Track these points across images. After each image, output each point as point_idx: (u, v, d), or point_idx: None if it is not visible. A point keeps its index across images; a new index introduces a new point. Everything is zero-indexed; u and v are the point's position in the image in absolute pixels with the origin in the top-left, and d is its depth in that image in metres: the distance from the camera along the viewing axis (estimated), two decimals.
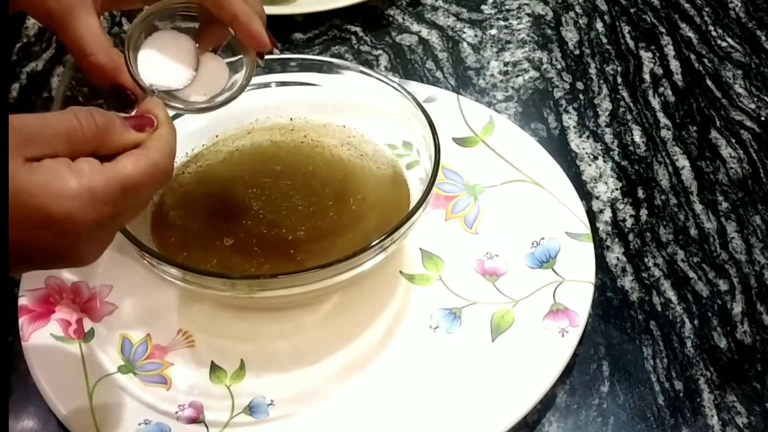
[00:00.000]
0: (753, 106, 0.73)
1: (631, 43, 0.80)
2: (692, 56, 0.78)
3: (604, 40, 0.80)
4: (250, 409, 0.52)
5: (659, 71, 0.77)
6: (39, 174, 0.37)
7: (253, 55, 0.50)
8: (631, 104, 0.73)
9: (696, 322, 0.57)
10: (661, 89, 0.75)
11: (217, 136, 0.63)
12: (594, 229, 0.62)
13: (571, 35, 0.81)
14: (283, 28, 0.81)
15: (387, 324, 0.56)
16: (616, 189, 0.66)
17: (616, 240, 0.62)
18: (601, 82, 0.76)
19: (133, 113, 0.45)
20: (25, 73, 0.76)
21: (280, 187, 0.59)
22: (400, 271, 0.59)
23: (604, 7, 0.84)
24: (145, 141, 0.42)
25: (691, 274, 0.60)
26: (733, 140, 0.70)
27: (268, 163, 0.61)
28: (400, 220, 0.51)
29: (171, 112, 0.46)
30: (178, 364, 0.54)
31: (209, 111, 0.50)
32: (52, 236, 0.38)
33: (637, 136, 0.71)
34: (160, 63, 0.49)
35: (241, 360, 0.54)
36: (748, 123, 0.71)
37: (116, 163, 0.40)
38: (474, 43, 0.80)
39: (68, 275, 0.58)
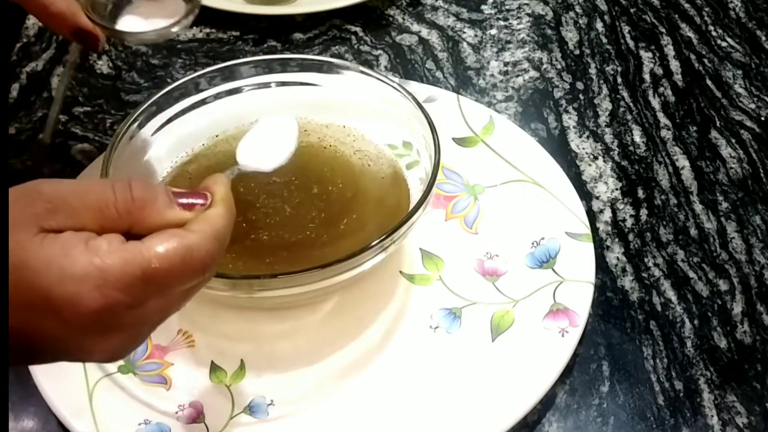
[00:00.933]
0: (753, 106, 0.73)
1: (631, 43, 0.80)
2: (692, 56, 0.78)
3: (604, 40, 0.80)
4: (250, 409, 0.52)
5: (659, 71, 0.77)
6: (49, 249, 0.32)
7: None
8: (631, 104, 0.73)
9: (696, 322, 0.57)
10: (661, 89, 0.75)
11: (217, 136, 0.63)
12: (594, 229, 0.62)
13: (571, 35, 0.81)
14: (283, 28, 0.81)
15: (387, 324, 0.56)
16: (616, 189, 0.66)
17: (616, 240, 0.62)
18: (601, 82, 0.76)
19: (186, 192, 0.38)
20: (25, 73, 0.76)
21: (284, 191, 0.58)
22: (400, 271, 0.59)
23: (604, 7, 0.84)
24: (189, 221, 0.36)
25: (691, 274, 0.60)
26: (733, 140, 0.70)
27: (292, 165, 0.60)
28: (400, 220, 0.51)
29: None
30: (178, 364, 0.54)
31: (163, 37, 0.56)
32: (54, 323, 0.32)
33: (637, 136, 0.71)
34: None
35: (241, 360, 0.54)
36: (748, 123, 0.71)
37: (142, 243, 0.34)
38: (474, 43, 0.80)
39: None
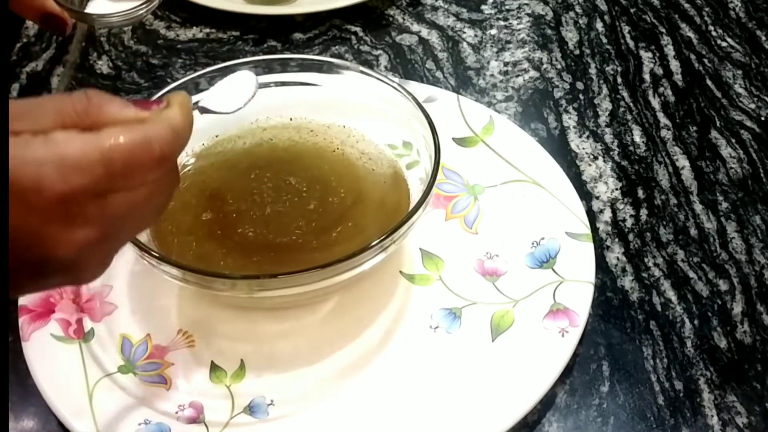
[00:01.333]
0: (753, 106, 0.73)
1: (631, 43, 0.80)
2: (692, 56, 0.78)
3: (604, 40, 0.80)
4: (250, 409, 0.52)
5: (659, 71, 0.77)
6: (10, 147, 0.34)
7: None
8: (631, 104, 0.73)
9: (696, 322, 0.57)
10: (661, 89, 0.75)
11: (217, 136, 0.63)
12: (594, 229, 0.62)
13: (571, 35, 0.81)
14: (283, 28, 0.81)
15: (387, 324, 0.56)
16: (616, 189, 0.66)
17: (616, 240, 0.62)
18: (601, 82, 0.76)
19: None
20: (25, 73, 0.76)
21: (285, 190, 0.58)
22: (400, 271, 0.59)
23: (604, 7, 0.84)
24: (146, 118, 0.38)
25: (691, 274, 0.60)
26: (733, 140, 0.70)
27: (290, 164, 0.60)
28: (400, 220, 0.51)
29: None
30: (178, 364, 0.54)
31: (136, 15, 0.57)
32: (19, 211, 0.33)
33: (637, 136, 0.71)
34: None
35: (241, 360, 0.54)
36: (748, 123, 0.71)
37: (99, 131, 0.36)
38: (474, 43, 0.80)
39: None
